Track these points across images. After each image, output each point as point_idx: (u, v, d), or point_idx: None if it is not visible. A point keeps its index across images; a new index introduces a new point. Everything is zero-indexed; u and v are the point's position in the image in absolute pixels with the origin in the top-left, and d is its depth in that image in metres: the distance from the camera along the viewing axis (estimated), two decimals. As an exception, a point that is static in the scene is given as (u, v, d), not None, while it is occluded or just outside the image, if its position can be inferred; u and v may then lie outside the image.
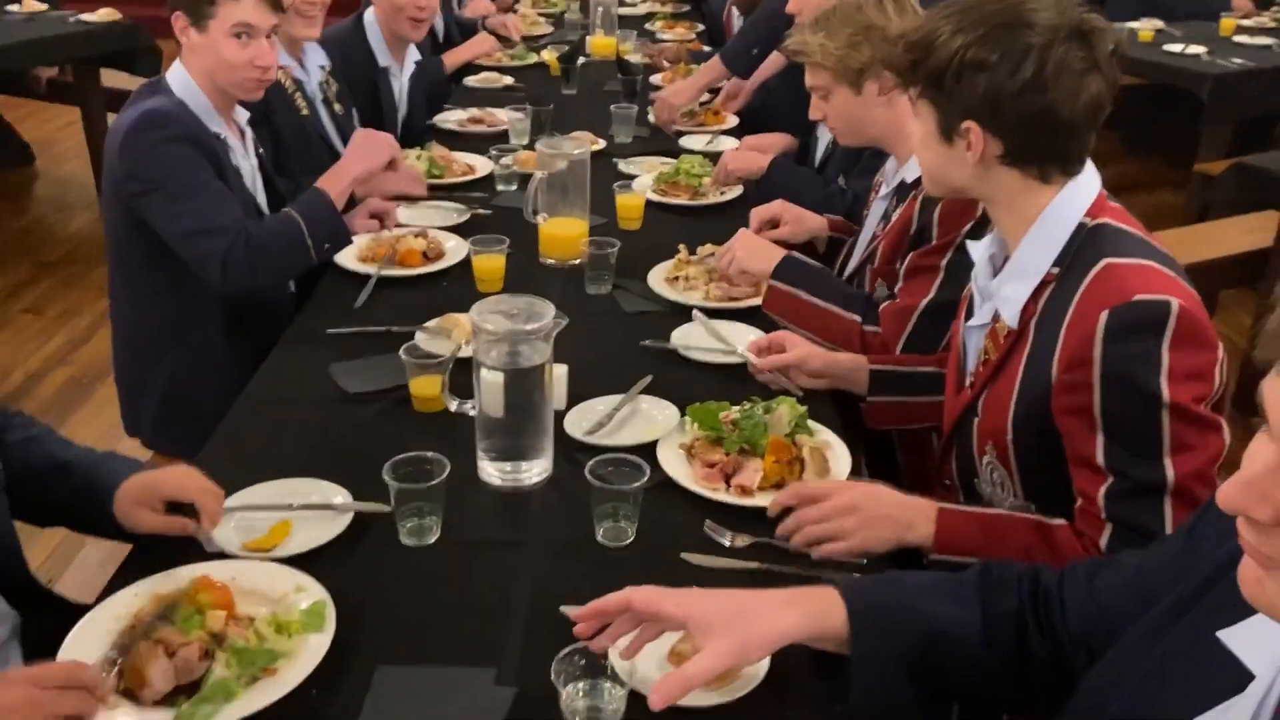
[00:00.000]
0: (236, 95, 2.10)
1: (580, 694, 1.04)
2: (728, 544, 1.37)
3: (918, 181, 1.88)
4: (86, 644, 1.13)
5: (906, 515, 1.32)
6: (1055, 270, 1.30)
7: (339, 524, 1.37)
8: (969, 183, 1.37)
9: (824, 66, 1.92)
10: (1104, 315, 1.20)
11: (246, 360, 1.95)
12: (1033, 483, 1.36)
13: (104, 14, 4.58)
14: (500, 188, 2.69)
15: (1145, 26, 4.95)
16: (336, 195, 2.13)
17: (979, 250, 1.45)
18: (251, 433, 1.63)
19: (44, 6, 4.70)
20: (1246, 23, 5.15)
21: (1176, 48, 4.61)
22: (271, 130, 2.44)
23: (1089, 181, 1.33)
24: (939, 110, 1.33)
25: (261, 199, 2.22)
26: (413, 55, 3.25)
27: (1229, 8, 5.32)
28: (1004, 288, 1.36)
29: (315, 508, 1.40)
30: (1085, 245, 1.28)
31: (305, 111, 2.57)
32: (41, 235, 4.67)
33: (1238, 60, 4.43)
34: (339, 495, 1.43)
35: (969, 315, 1.48)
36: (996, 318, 1.38)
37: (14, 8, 4.64)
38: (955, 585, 1.09)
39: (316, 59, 2.66)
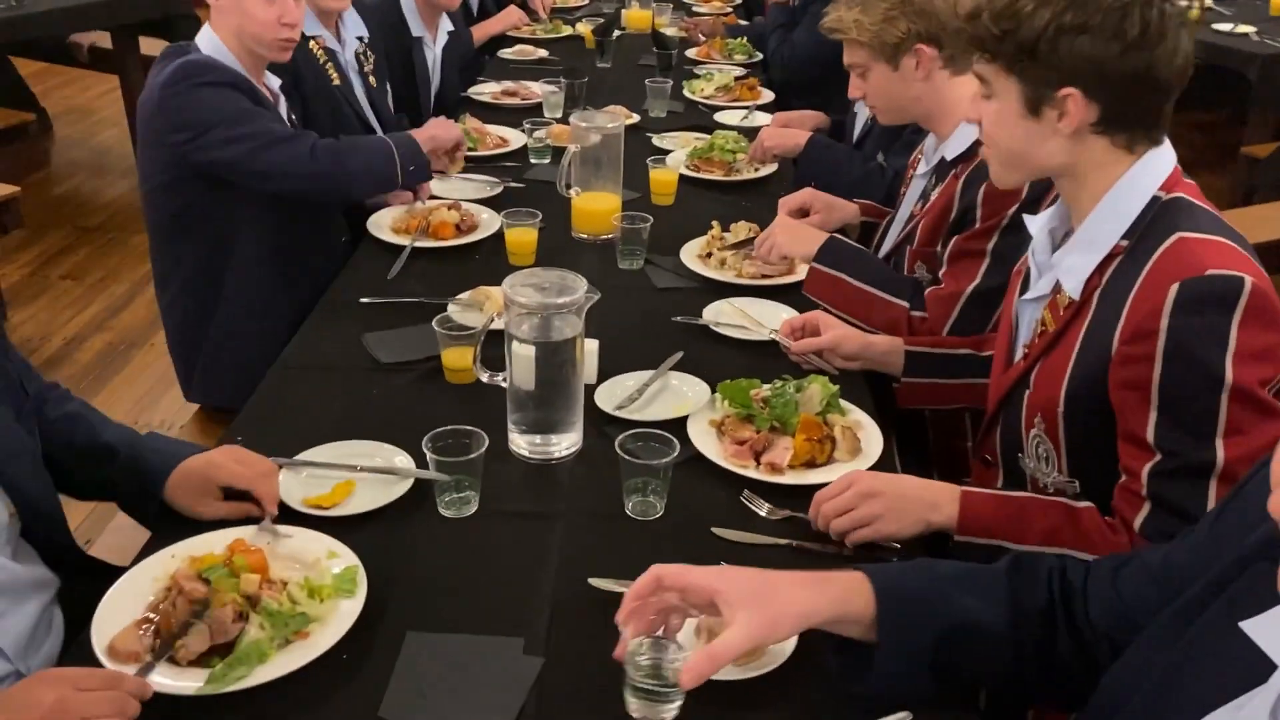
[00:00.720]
0: (264, 55, 2.11)
1: (644, 648, 1.04)
2: (764, 514, 1.38)
3: (958, 160, 1.86)
4: (123, 605, 1.15)
5: (931, 495, 1.32)
6: (1124, 243, 1.28)
7: (399, 489, 1.39)
8: (1053, 158, 1.31)
9: (860, 43, 1.90)
10: (1174, 287, 1.17)
11: (293, 314, 1.98)
12: (1078, 459, 1.34)
13: (141, -21, 4.61)
14: (534, 160, 2.69)
15: (1194, 4, 4.84)
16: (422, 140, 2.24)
17: (1038, 224, 1.43)
18: (287, 399, 1.65)
19: (84, -26, 4.73)
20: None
21: (1225, 27, 4.51)
22: (301, 97, 2.45)
23: (1166, 154, 1.30)
24: (1028, 82, 1.27)
25: None
26: (445, 25, 3.24)
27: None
28: (1068, 258, 1.33)
29: (378, 471, 1.42)
30: (1158, 218, 1.26)
31: (337, 81, 2.57)
32: (80, 202, 4.73)
33: (1288, 41, 4.33)
34: (400, 457, 1.45)
35: (1023, 290, 1.46)
36: (1057, 289, 1.36)
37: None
38: (986, 577, 1.08)
39: (355, 30, 2.66)
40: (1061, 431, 1.33)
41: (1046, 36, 1.23)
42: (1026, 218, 1.48)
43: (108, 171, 5.07)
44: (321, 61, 2.53)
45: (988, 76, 1.32)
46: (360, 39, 2.69)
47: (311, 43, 2.49)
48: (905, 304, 1.83)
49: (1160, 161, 1.29)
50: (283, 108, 2.22)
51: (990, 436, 1.50)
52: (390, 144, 2.18)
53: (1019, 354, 1.44)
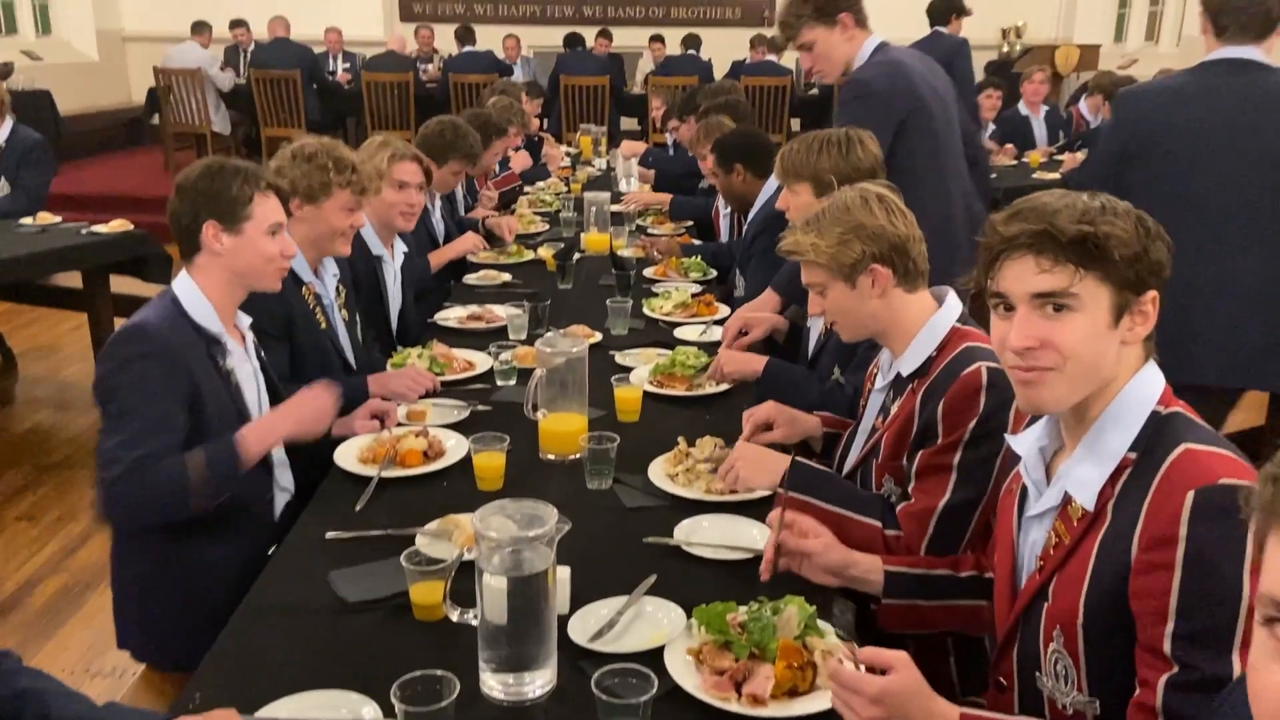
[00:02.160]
0: (259, 287, 2.17)
1: None
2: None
3: (914, 375, 1.91)
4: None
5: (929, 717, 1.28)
6: (1132, 455, 1.31)
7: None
8: (1113, 362, 1.34)
9: (819, 264, 1.99)
10: (1190, 495, 1.20)
11: (236, 567, 1.93)
12: (1098, 675, 1.32)
13: (116, 225, 4.76)
14: (500, 383, 2.73)
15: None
16: (256, 453, 2.03)
17: (1024, 444, 1.47)
18: (251, 645, 1.59)
19: (58, 219, 4.89)
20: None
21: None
22: (293, 344, 2.51)
23: (1157, 373, 1.37)
24: (1114, 286, 1.31)
25: (259, 400, 2.23)
26: (400, 246, 3.38)
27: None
28: (1077, 470, 1.36)
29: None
30: (1161, 431, 1.31)
31: (324, 325, 2.64)
32: (42, 438, 4.69)
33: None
34: (368, 708, 1.39)
35: (1022, 507, 1.47)
36: (1067, 500, 1.38)
37: (28, 220, 4.82)
38: None
39: (331, 268, 2.76)
40: (1081, 645, 1.32)
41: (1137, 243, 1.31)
42: (1010, 438, 1.52)
43: (70, 407, 5.06)
44: (312, 307, 2.60)
45: (1073, 294, 1.32)
46: (335, 275, 2.77)
47: (304, 289, 2.58)
48: (879, 523, 1.83)
49: (1155, 378, 1.36)
50: (249, 345, 2.25)
51: (1006, 658, 1.48)
52: (187, 479, 1.92)
53: (1028, 569, 1.44)
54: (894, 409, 1.95)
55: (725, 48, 10.72)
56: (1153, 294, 1.33)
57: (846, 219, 1.96)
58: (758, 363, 2.65)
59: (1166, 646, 1.20)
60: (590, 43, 10.49)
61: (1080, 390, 1.35)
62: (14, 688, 1.33)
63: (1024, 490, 1.48)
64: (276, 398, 2.29)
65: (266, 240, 2.12)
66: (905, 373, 1.94)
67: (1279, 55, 2.84)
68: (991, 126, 7.67)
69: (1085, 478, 1.34)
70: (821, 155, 2.57)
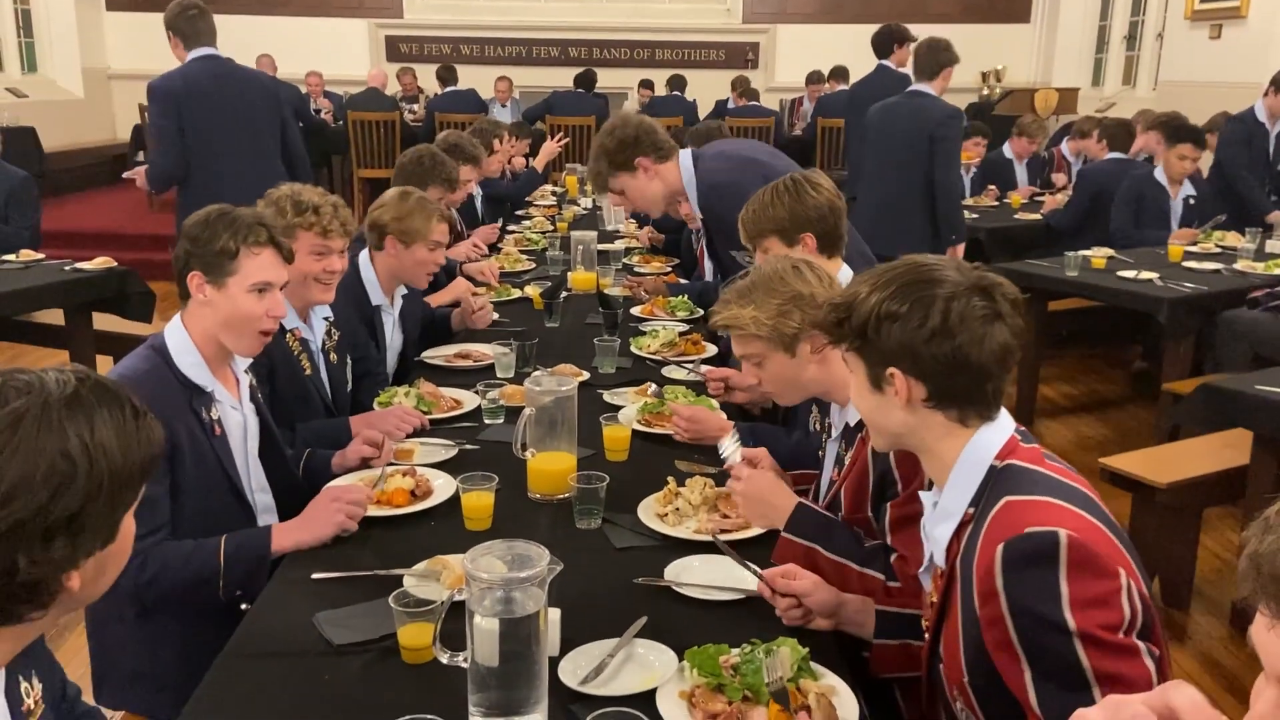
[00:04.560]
0: (239, 349, 2.13)
1: None
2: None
3: (861, 424, 1.92)
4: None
5: None
6: (971, 510, 1.38)
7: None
8: (903, 428, 1.46)
9: (757, 336, 2.01)
10: (999, 549, 1.26)
11: (210, 614, 1.91)
12: None
13: (99, 262, 4.74)
14: (488, 421, 2.72)
15: (1097, 254, 5.22)
16: (274, 551, 1.98)
17: (928, 499, 1.51)
18: (235, 692, 1.56)
19: (41, 255, 4.86)
20: (1194, 249, 5.44)
21: (1130, 274, 4.85)
22: (273, 388, 2.49)
23: (1001, 426, 1.43)
24: (866, 361, 1.46)
25: (246, 448, 2.20)
26: (400, 290, 3.37)
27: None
28: (933, 529, 1.44)
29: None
30: (992, 486, 1.37)
31: (309, 372, 2.63)
32: (19, 476, 4.62)
33: (1189, 285, 4.65)
34: None
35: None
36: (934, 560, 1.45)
37: (11, 257, 4.80)
38: None
39: (321, 311, 2.74)
40: (976, 703, 1.35)
41: (871, 323, 1.42)
42: (922, 494, 1.55)
43: (50, 444, 4.99)
44: (296, 353, 2.59)
45: (844, 354, 1.52)
46: (326, 319, 2.76)
47: (289, 335, 2.56)
48: (881, 576, 1.82)
49: (994, 434, 1.42)
50: (244, 389, 2.22)
51: (935, 714, 1.51)
52: (220, 561, 1.92)
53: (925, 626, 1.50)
54: (847, 460, 1.96)
55: (710, 88, 10.84)
56: (891, 369, 1.42)
57: (783, 289, 2.00)
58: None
59: (1033, 699, 1.23)
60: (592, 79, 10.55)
61: (878, 436, 1.53)
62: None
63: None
64: (271, 443, 2.27)
65: (249, 298, 2.06)
66: (852, 423, 1.97)
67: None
68: (974, 170, 7.77)
69: (937, 536, 1.44)
70: (776, 206, 2.61)
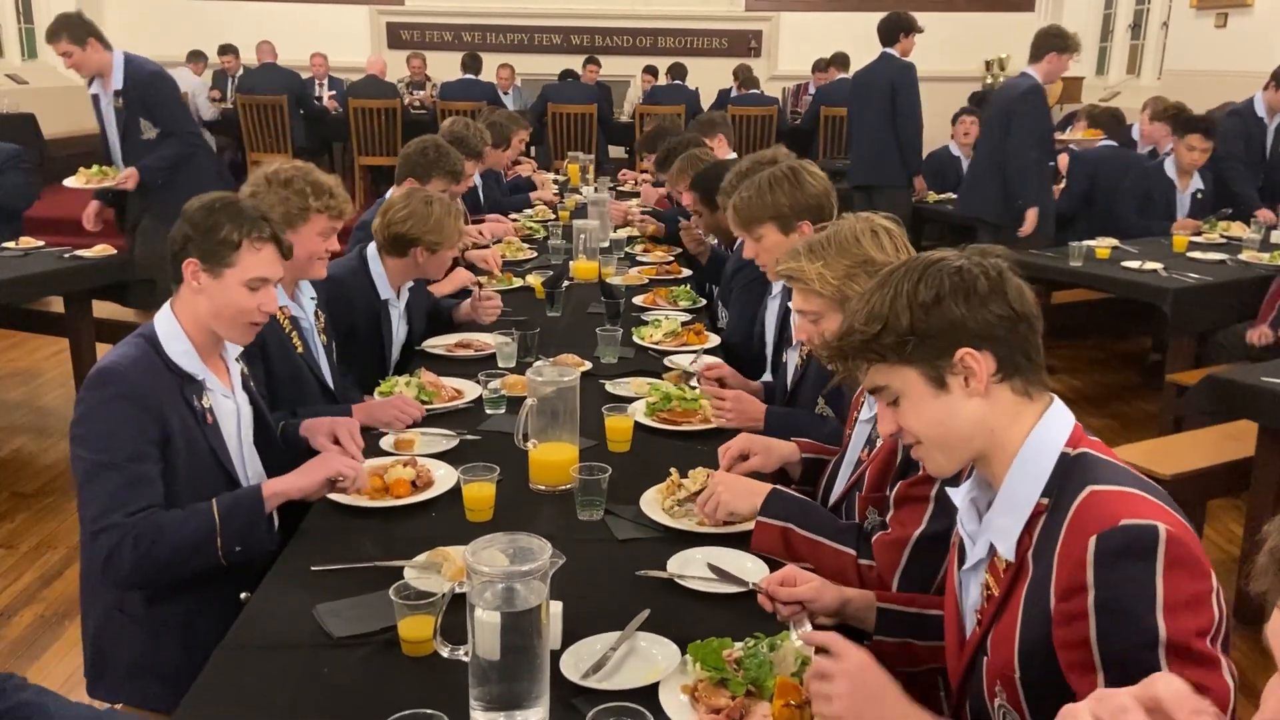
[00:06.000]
0: (231, 338, 2.12)
1: None
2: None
3: None
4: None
5: None
6: (1045, 500, 1.31)
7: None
8: (974, 425, 1.35)
9: (820, 294, 1.97)
10: (1092, 541, 1.19)
11: (211, 604, 1.90)
12: None
13: (99, 249, 4.72)
14: (490, 411, 2.71)
15: (1102, 244, 5.19)
16: (266, 496, 1.97)
17: (959, 496, 1.46)
18: (232, 683, 1.55)
19: (40, 242, 4.84)
20: (1199, 239, 5.42)
21: (1134, 264, 4.82)
22: (266, 369, 2.47)
23: (1064, 413, 1.37)
24: (922, 362, 1.36)
25: (239, 436, 2.18)
26: (407, 284, 3.35)
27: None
28: (997, 521, 1.36)
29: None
30: (1069, 474, 1.30)
31: (301, 349, 2.61)
32: (20, 465, 4.62)
33: (1194, 275, 4.63)
34: None
35: (961, 560, 1.46)
36: (994, 552, 1.37)
37: (10, 244, 4.78)
38: None
39: (308, 291, 2.73)
40: (1023, 698, 1.30)
41: (918, 316, 1.33)
42: (949, 490, 1.51)
43: (50, 434, 4.98)
44: (287, 331, 2.57)
45: (884, 382, 1.40)
46: (312, 299, 2.74)
47: (279, 312, 2.53)
48: (852, 551, 1.81)
49: (1062, 418, 1.36)
50: (235, 378, 2.20)
51: (961, 714, 1.46)
52: (215, 516, 1.91)
53: (971, 622, 1.43)
54: (879, 441, 1.94)
55: (712, 77, 10.80)
56: (961, 350, 1.33)
57: (856, 251, 1.95)
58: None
59: None
60: (579, 70, 10.54)
61: (958, 455, 1.39)
62: (15, 700, 1.32)
63: (963, 541, 1.47)
64: (266, 432, 2.25)
65: (242, 292, 2.04)
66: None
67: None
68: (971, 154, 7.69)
69: (1003, 528, 1.34)
70: (775, 193, 2.56)
